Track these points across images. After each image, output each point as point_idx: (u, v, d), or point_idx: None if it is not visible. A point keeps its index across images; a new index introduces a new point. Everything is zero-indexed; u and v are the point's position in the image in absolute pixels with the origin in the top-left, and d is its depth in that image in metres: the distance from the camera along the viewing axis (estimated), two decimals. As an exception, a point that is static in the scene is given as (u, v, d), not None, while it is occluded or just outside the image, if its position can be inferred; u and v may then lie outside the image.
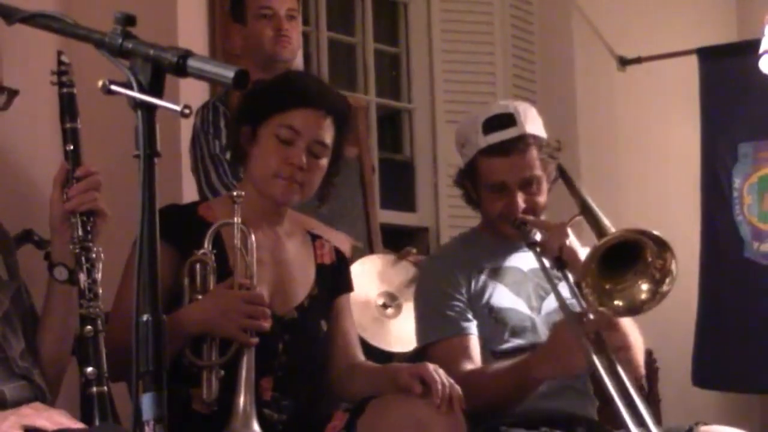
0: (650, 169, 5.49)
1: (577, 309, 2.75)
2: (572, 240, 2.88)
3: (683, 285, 4.96)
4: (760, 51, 4.72)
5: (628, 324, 2.90)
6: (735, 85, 5.21)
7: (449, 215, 4.90)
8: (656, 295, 2.74)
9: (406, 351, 3.41)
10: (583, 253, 2.85)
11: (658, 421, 4.30)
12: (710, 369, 5.10)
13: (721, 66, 5.30)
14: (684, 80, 5.40)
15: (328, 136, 2.66)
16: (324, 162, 2.67)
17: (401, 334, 3.47)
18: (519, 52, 5.28)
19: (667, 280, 2.74)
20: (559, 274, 2.84)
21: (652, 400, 4.52)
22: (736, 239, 5.20)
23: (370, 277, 3.52)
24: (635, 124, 5.46)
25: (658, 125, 5.51)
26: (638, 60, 5.48)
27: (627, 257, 2.74)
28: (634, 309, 2.76)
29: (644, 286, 2.75)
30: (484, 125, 2.98)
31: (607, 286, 2.74)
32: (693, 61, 5.35)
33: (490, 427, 2.84)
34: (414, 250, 3.70)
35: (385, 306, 3.53)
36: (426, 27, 5.11)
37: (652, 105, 5.51)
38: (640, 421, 2.52)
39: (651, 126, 5.48)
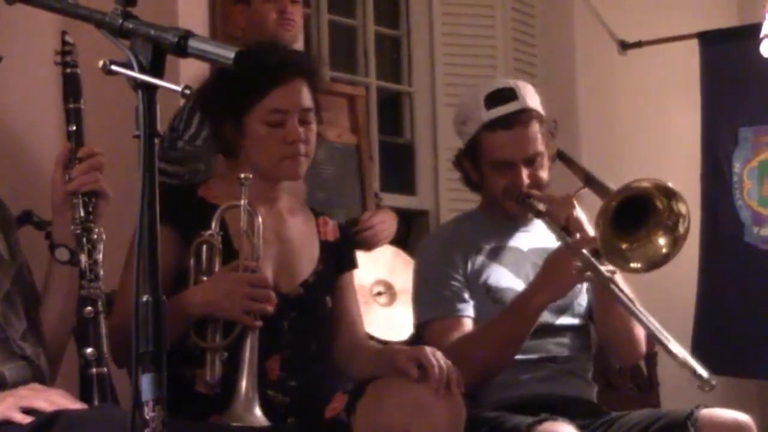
0: (650, 153, 5.48)
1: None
2: (578, 210, 2.89)
3: (683, 269, 5.01)
4: (761, 35, 4.72)
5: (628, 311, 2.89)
6: (736, 69, 5.20)
7: (449, 198, 4.90)
8: (676, 241, 2.78)
9: (403, 339, 3.41)
10: (589, 224, 2.86)
11: (656, 405, 4.35)
12: (709, 354, 5.07)
13: (722, 50, 5.29)
14: (685, 64, 5.39)
15: (308, 99, 2.66)
16: (314, 125, 2.68)
17: (397, 322, 3.46)
18: (520, 36, 5.27)
19: (681, 221, 2.77)
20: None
21: (651, 384, 4.52)
22: (736, 224, 5.20)
23: (363, 265, 3.51)
24: (636, 108, 5.45)
25: (658, 109, 5.51)
26: (639, 44, 5.48)
27: (637, 215, 2.77)
28: (656, 262, 2.79)
29: (661, 241, 2.79)
30: (486, 100, 3.00)
31: (623, 246, 2.78)
32: (694, 45, 5.34)
33: (491, 414, 2.85)
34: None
35: (379, 294, 3.53)
36: (427, 10, 5.10)
37: (653, 89, 5.49)
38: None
39: (651, 110, 5.48)
